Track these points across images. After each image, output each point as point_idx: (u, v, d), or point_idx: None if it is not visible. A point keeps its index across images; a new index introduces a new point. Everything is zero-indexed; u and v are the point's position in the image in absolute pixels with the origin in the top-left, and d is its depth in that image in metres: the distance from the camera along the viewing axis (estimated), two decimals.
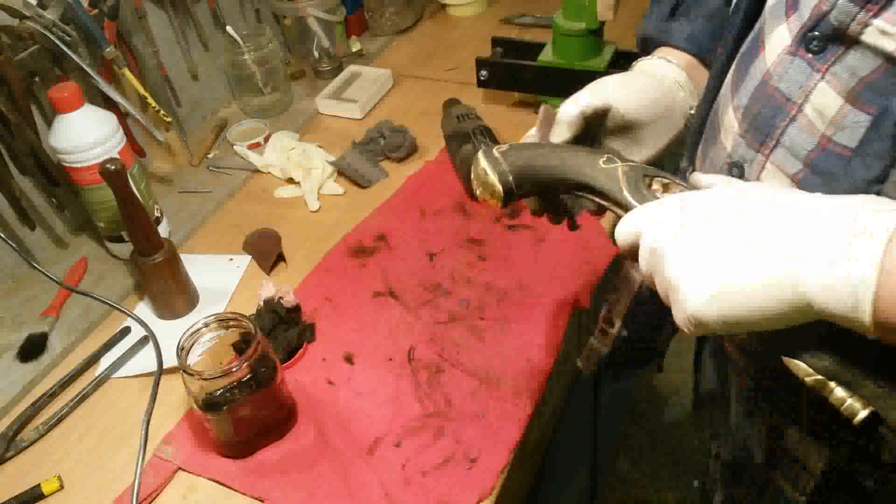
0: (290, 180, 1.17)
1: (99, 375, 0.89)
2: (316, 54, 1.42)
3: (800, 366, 0.45)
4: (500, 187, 0.58)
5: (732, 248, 0.42)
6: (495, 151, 0.59)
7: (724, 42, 0.60)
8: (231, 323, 0.77)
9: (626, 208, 0.53)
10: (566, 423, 1.18)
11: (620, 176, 0.54)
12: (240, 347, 0.81)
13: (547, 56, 1.19)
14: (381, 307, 0.94)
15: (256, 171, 1.21)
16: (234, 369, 0.72)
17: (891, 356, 0.41)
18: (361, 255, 1.02)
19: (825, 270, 0.38)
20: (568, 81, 1.17)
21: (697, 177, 0.53)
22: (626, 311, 0.70)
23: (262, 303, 0.90)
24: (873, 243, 0.37)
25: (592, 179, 0.56)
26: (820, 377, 0.45)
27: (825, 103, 0.47)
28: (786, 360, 0.46)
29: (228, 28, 1.26)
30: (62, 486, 0.78)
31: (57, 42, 0.96)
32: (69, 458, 0.81)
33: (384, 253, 1.02)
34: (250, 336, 0.75)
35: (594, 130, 0.66)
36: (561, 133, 0.63)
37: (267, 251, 1.03)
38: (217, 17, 1.32)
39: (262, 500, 0.75)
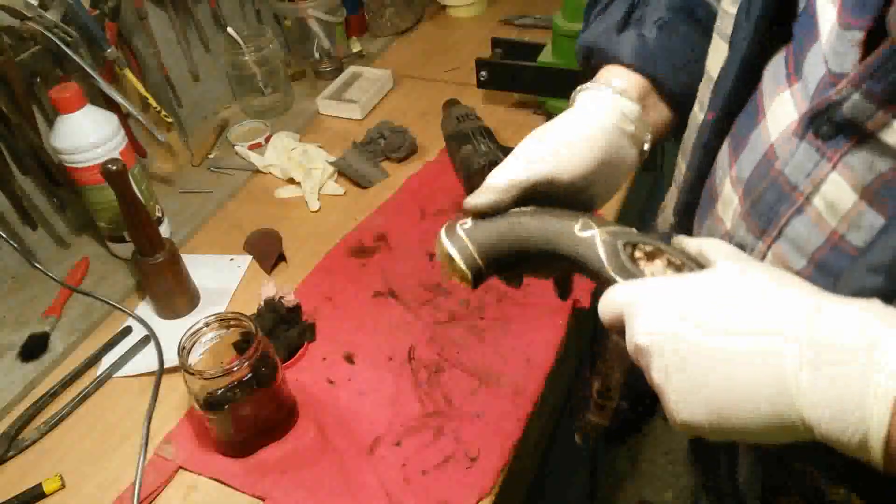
0: (291, 180, 1.17)
1: (100, 375, 0.89)
2: (316, 55, 1.42)
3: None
4: (468, 272, 0.53)
5: (729, 363, 0.38)
6: (459, 229, 0.53)
7: (717, 89, 0.52)
8: (232, 322, 0.77)
9: (608, 282, 0.48)
10: (566, 422, 1.19)
11: (599, 245, 0.49)
12: (240, 347, 0.81)
13: (547, 57, 1.20)
14: (382, 307, 0.94)
15: (257, 171, 1.21)
16: (234, 369, 0.72)
17: None
18: (362, 255, 1.02)
19: (832, 403, 0.34)
20: (567, 82, 1.18)
21: (683, 241, 0.48)
22: (623, 381, 0.66)
23: (262, 302, 0.90)
24: (887, 377, 0.33)
25: (569, 250, 0.50)
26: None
27: (838, 197, 0.41)
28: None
29: (229, 29, 1.27)
30: (63, 485, 0.78)
31: (58, 43, 0.96)
32: (70, 458, 0.81)
33: (384, 253, 1.02)
34: (251, 336, 0.75)
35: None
36: (490, 201, 0.53)
37: (267, 251, 1.04)
38: (218, 18, 1.32)
39: (262, 499, 0.75)
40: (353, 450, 0.78)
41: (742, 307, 0.39)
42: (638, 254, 0.48)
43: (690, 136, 0.58)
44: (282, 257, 1.04)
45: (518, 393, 0.82)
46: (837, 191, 0.41)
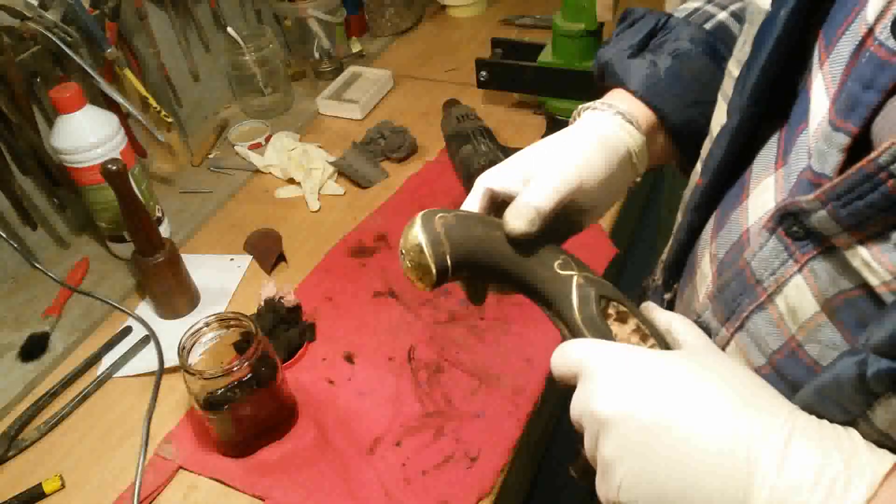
0: (291, 180, 1.17)
1: (100, 375, 0.89)
2: (316, 55, 1.42)
3: None
4: (433, 270, 0.47)
5: (693, 472, 0.36)
6: (438, 222, 0.48)
7: (711, 156, 0.49)
8: (232, 322, 0.77)
9: (572, 330, 0.45)
10: (566, 422, 1.18)
11: (574, 288, 0.46)
12: (240, 347, 0.81)
13: (547, 57, 1.20)
14: (382, 307, 0.94)
15: (257, 171, 1.21)
16: (234, 369, 0.72)
17: None
18: (362, 254, 1.02)
19: None
20: (567, 82, 1.19)
21: (654, 313, 0.46)
22: None
23: (262, 302, 0.90)
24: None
25: (542, 283, 0.47)
26: None
27: (799, 303, 0.39)
28: None
29: (229, 29, 1.27)
30: (63, 486, 0.78)
31: (58, 43, 0.96)
32: (70, 458, 0.81)
33: (384, 253, 1.02)
34: (251, 336, 0.75)
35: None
36: (536, 227, 0.49)
37: (267, 251, 1.04)
38: (218, 18, 1.32)
39: (262, 499, 0.75)
40: (353, 450, 0.78)
41: (713, 412, 0.37)
42: (610, 310, 0.45)
43: (687, 193, 0.56)
44: (282, 257, 1.04)
45: (518, 393, 0.82)
46: (799, 296, 0.39)
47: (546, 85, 1.20)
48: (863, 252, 0.34)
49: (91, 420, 0.85)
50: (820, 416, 0.37)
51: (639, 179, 0.58)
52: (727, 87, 0.50)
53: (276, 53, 1.30)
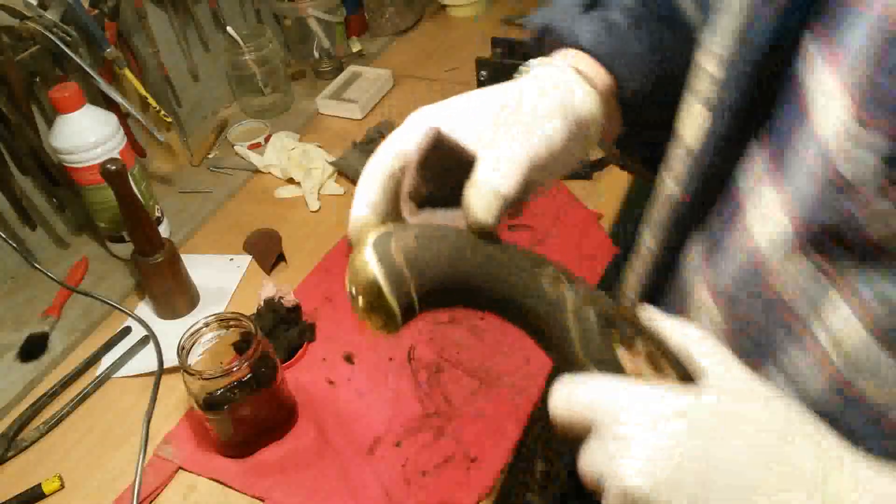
0: (291, 180, 1.17)
1: (99, 375, 0.89)
2: (316, 55, 1.42)
3: None
4: (397, 312, 0.38)
5: None
6: (393, 243, 0.38)
7: (695, 166, 0.43)
8: (231, 323, 0.77)
9: (571, 363, 0.37)
10: None
11: (569, 313, 0.37)
12: (240, 347, 0.81)
13: None
14: None
15: (257, 171, 1.21)
16: (234, 369, 0.72)
17: None
18: None
19: None
20: None
21: (662, 327, 0.38)
22: (572, 470, 0.57)
23: (262, 302, 0.90)
24: None
25: (530, 307, 0.38)
26: None
27: (845, 333, 0.34)
28: None
29: (229, 28, 1.26)
30: (63, 486, 0.78)
31: (58, 42, 0.96)
32: (70, 458, 0.81)
33: None
34: (250, 336, 0.75)
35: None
36: (497, 215, 0.40)
37: (267, 251, 1.04)
38: (217, 18, 1.32)
39: (262, 500, 0.75)
40: (353, 450, 0.78)
41: (774, 475, 0.31)
42: (615, 335, 0.37)
43: (659, 208, 0.49)
44: (281, 257, 1.03)
45: (518, 393, 0.82)
46: (845, 326, 0.34)
47: None
48: None
49: (90, 420, 0.85)
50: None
51: (587, 157, 0.50)
52: (699, 84, 0.43)
53: (275, 53, 1.30)
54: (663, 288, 0.50)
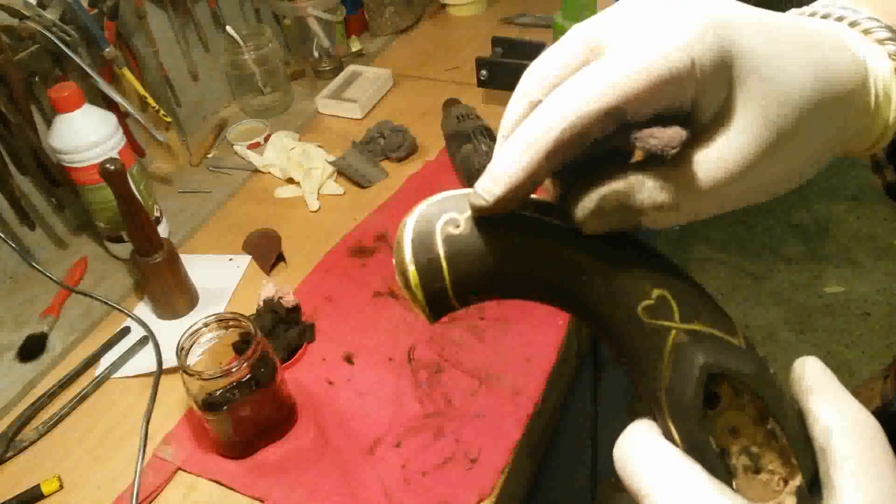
0: (290, 180, 1.17)
1: (99, 375, 0.89)
2: (316, 54, 1.42)
3: None
4: (426, 309, 0.31)
5: None
6: (439, 232, 0.30)
7: None
8: (231, 323, 0.77)
9: (651, 401, 0.30)
10: (566, 422, 1.18)
11: (666, 358, 0.29)
12: (240, 347, 0.81)
13: None
14: (382, 307, 0.94)
15: (256, 171, 1.21)
16: (233, 369, 0.72)
17: None
18: (361, 254, 1.02)
19: None
20: None
21: (818, 405, 0.28)
22: None
23: (261, 303, 0.90)
24: None
25: (616, 331, 0.30)
26: None
27: None
28: None
29: (228, 28, 1.26)
30: (62, 486, 0.78)
31: (57, 42, 0.96)
32: (69, 458, 0.81)
33: (384, 253, 1.02)
34: (250, 336, 0.75)
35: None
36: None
37: (267, 251, 1.03)
38: (217, 18, 1.32)
39: (262, 500, 0.75)
40: (353, 450, 0.77)
41: None
42: (723, 396, 0.29)
43: None
44: (281, 257, 1.03)
45: (518, 393, 0.82)
46: None
47: None
48: None
49: (89, 421, 0.85)
50: None
51: (881, 148, 0.33)
52: None
53: (275, 52, 1.30)
54: None
